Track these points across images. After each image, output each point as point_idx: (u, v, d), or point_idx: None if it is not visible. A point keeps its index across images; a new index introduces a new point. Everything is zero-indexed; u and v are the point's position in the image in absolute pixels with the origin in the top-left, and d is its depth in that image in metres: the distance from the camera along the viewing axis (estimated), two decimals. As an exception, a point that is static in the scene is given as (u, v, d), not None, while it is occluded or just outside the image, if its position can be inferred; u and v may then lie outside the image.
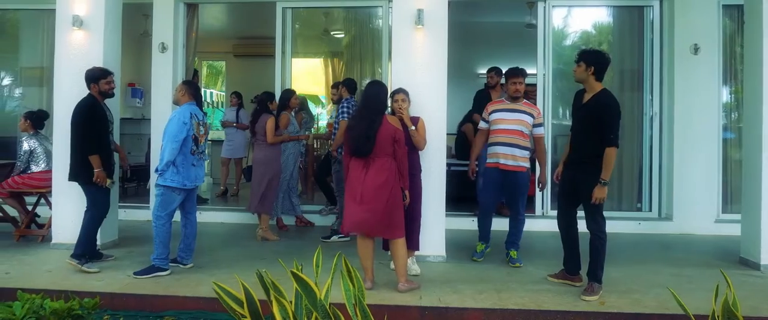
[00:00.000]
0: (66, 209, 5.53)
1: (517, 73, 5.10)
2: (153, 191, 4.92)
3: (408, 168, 4.40)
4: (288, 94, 6.53)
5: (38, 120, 6.04)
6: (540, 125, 5.14)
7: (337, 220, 6.47)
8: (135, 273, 4.61)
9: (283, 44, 7.27)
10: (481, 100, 6.42)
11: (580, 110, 4.30)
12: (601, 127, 4.07)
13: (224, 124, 8.67)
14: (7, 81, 8.65)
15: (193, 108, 4.89)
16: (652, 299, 4.17)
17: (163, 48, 7.14)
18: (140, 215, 7.20)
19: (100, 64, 5.40)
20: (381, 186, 4.14)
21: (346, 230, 4.36)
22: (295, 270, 2.30)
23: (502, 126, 5.07)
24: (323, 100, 11.13)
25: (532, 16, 8.80)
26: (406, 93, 4.86)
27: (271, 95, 6.43)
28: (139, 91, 11.04)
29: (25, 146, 5.86)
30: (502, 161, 5.02)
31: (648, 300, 4.14)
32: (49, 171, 5.92)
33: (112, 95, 5.03)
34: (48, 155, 5.94)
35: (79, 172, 4.88)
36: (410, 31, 5.24)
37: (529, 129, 5.05)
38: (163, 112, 7.15)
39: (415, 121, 4.84)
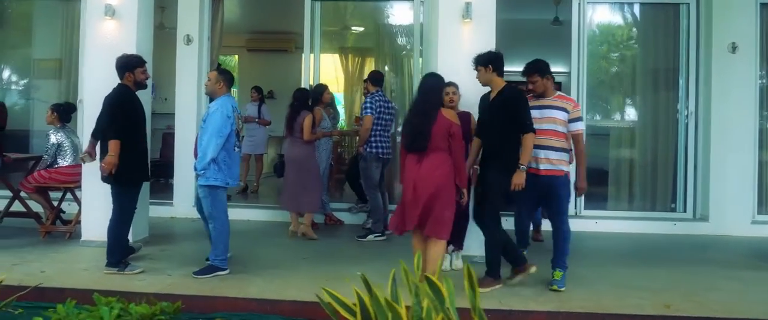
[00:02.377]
0: (96, 205, 5.32)
1: (528, 70, 4.48)
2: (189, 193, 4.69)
3: None
4: (321, 88, 6.39)
5: (65, 113, 5.83)
6: (577, 119, 4.44)
7: (370, 219, 6.34)
8: (195, 273, 4.45)
9: (312, 39, 7.07)
10: None
11: (488, 109, 4.39)
12: (515, 117, 4.19)
13: (245, 120, 8.46)
14: (19, 74, 8.39)
15: (232, 100, 4.70)
16: (715, 302, 4.08)
17: (188, 40, 6.96)
18: (162, 212, 6.99)
19: (132, 55, 5.22)
20: (434, 182, 3.99)
21: (396, 226, 4.16)
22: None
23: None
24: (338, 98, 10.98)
25: (559, 13, 8.73)
26: (456, 86, 4.76)
27: (307, 92, 6.21)
28: (151, 85, 10.81)
29: (53, 139, 5.65)
30: (535, 165, 4.40)
31: (712, 304, 4.05)
32: (76, 165, 5.72)
33: (145, 86, 4.81)
34: (75, 149, 5.74)
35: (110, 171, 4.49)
36: (457, 24, 5.11)
37: (563, 126, 4.40)
38: (188, 106, 6.99)
39: (467, 116, 4.73)
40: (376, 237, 5.88)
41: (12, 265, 4.60)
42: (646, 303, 4.04)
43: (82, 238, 5.39)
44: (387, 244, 5.81)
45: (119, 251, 4.55)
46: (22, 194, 5.89)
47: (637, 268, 5.01)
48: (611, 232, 6.46)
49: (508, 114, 4.21)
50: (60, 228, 5.68)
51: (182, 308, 3.98)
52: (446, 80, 4.80)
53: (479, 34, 5.09)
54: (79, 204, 5.74)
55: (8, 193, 5.97)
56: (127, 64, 4.59)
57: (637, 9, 7.05)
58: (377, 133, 5.83)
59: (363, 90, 6.51)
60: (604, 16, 7.17)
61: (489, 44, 5.10)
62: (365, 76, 6.76)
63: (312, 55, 7.11)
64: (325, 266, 4.93)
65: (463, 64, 5.04)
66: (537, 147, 4.43)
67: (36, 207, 5.99)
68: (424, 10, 6.92)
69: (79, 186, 5.70)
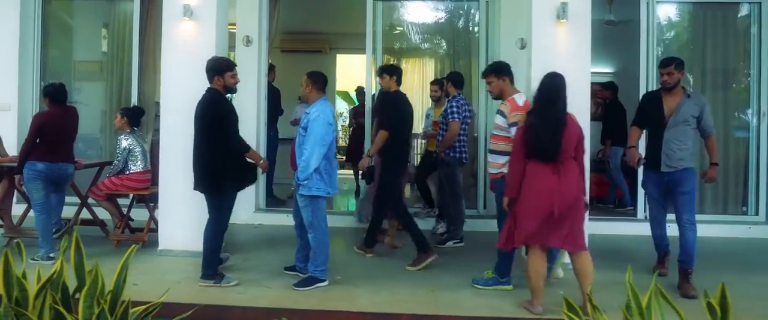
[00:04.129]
0: (173, 213, 5.17)
1: (484, 72, 4.65)
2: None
3: None
4: (388, 91, 6.20)
5: (135, 117, 5.62)
6: (514, 125, 4.20)
7: (439, 224, 6.20)
8: (295, 285, 4.29)
9: (374, 40, 6.87)
10: (646, 104, 4.92)
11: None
12: (381, 115, 5.42)
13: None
14: (60, 76, 8.13)
15: (330, 104, 4.51)
16: None
17: (248, 41, 6.77)
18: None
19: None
20: (577, 195, 3.78)
21: (528, 242, 3.87)
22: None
23: None
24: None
25: (613, 13, 8.59)
26: None
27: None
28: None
29: (124, 144, 5.43)
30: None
31: None
32: (147, 171, 5.54)
33: (235, 90, 4.62)
34: (145, 154, 5.54)
35: (204, 180, 4.32)
36: (552, 25, 4.95)
37: (501, 130, 4.34)
38: (249, 108, 6.79)
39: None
40: (455, 243, 5.72)
41: (101, 277, 4.38)
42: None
43: (160, 247, 5.19)
44: (465, 250, 5.67)
45: (215, 262, 4.37)
46: (90, 201, 5.68)
47: (743, 275, 4.84)
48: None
49: (380, 113, 5.47)
50: (135, 237, 5.46)
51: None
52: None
53: (575, 35, 4.94)
54: (150, 211, 5.55)
55: (74, 199, 5.74)
56: (217, 68, 4.38)
57: (705, 8, 6.89)
58: (460, 137, 5.65)
59: (432, 92, 6.31)
60: (672, 15, 7.03)
61: (585, 45, 4.98)
62: (437, 78, 6.60)
63: (373, 57, 6.92)
64: (421, 275, 4.76)
65: (560, 66, 4.85)
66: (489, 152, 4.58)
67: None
68: (489, 10, 6.77)
69: (151, 193, 5.51)
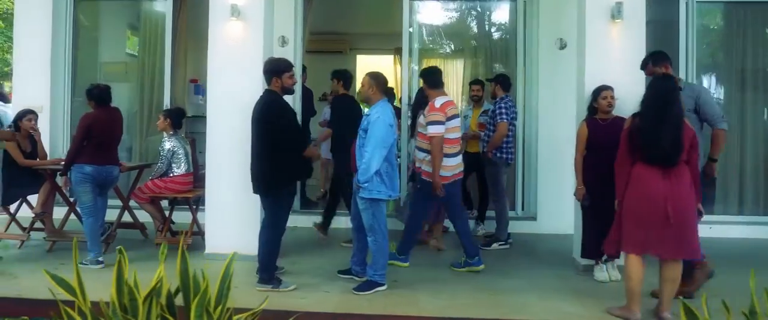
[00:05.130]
0: (220, 217, 5.09)
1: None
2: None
3: None
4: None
5: (177, 118, 5.55)
6: (430, 123, 4.69)
7: (479, 226, 6.16)
8: (355, 289, 4.22)
9: (410, 40, 6.81)
10: None
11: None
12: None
13: (325, 124, 8.18)
14: (86, 77, 8.06)
15: (390, 106, 4.43)
16: None
17: (284, 42, 6.70)
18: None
19: (259, 58, 4.97)
20: (691, 201, 3.62)
21: (637, 251, 3.67)
22: None
23: None
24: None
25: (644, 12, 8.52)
26: (613, 90, 4.54)
27: None
28: (201, 87, 10.53)
29: (168, 146, 5.37)
30: None
31: None
32: (190, 173, 5.47)
33: (293, 91, 4.54)
34: (187, 156, 5.48)
35: (262, 182, 4.25)
36: (606, 25, 4.90)
37: (423, 128, 4.82)
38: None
39: (623, 123, 4.49)
40: (500, 245, 5.67)
41: (155, 282, 4.32)
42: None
43: (207, 251, 5.11)
44: (513, 252, 5.62)
45: (272, 267, 4.30)
46: (131, 203, 5.61)
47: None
48: (728, 238, 6.23)
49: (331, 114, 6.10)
50: (175, 240, 5.38)
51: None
52: (601, 84, 4.63)
53: (629, 36, 4.89)
54: (193, 213, 5.48)
55: (116, 202, 5.67)
56: (276, 70, 4.31)
57: (744, 8, 6.83)
58: (508, 138, 5.60)
59: (474, 92, 6.24)
60: (710, 16, 6.97)
61: (639, 45, 4.92)
62: (478, 78, 6.53)
63: (409, 57, 6.85)
64: (474, 278, 4.71)
65: (614, 67, 4.87)
66: None
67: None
68: (527, 9, 6.71)
69: (195, 196, 5.45)
